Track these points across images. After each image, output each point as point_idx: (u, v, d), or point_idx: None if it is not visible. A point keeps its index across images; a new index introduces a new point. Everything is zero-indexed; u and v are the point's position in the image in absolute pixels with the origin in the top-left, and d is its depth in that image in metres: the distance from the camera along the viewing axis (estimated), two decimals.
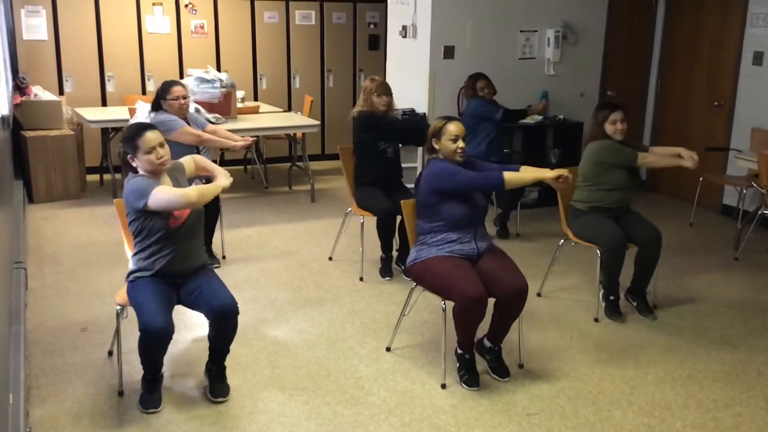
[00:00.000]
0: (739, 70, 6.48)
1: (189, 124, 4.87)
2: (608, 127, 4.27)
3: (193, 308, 3.30)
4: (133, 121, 5.91)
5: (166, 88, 4.78)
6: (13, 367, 3.06)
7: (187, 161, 3.53)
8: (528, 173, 3.58)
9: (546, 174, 3.52)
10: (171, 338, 3.13)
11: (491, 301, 3.45)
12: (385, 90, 4.86)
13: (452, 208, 3.54)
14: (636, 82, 7.50)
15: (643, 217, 4.38)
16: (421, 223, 3.66)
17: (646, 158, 4.28)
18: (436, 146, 3.63)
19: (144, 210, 3.14)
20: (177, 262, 3.26)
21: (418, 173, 6.45)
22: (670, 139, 7.29)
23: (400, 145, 5.04)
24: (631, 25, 7.36)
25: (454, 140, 3.56)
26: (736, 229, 5.80)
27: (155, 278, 3.25)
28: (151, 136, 3.24)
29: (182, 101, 4.75)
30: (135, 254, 3.32)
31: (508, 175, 3.47)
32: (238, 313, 3.24)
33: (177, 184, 3.35)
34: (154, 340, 3.09)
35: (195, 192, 3.16)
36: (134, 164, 3.27)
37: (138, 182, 3.21)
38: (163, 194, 3.13)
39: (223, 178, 3.45)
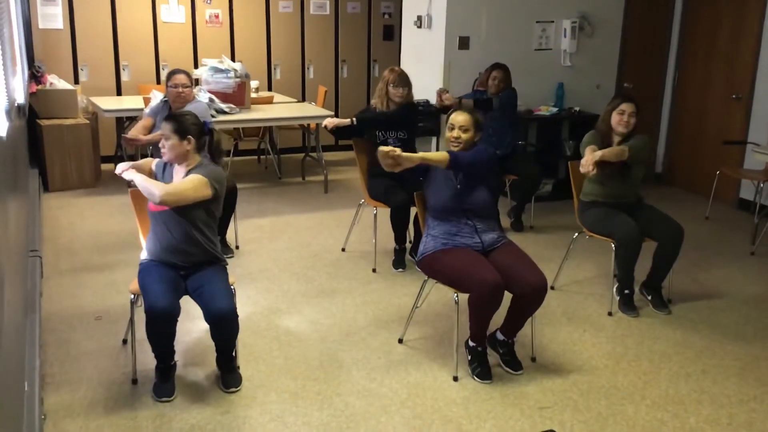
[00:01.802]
0: (758, 63, 6.40)
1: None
2: (614, 117, 4.22)
3: (196, 303, 3.31)
4: (147, 110, 5.95)
5: (169, 75, 4.94)
6: (28, 355, 3.08)
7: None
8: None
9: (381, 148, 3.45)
10: (176, 320, 3.14)
11: (507, 296, 3.43)
12: (403, 82, 4.84)
13: (431, 194, 3.67)
14: (653, 74, 7.43)
15: (663, 213, 4.33)
16: (426, 213, 3.73)
17: (588, 151, 4.14)
18: (447, 134, 3.69)
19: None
20: (170, 251, 3.29)
21: None
22: (688, 132, 7.24)
23: (406, 136, 4.96)
24: (648, 17, 7.29)
25: (451, 128, 3.64)
26: (753, 223, 5.75)
27: (161, 264, 3.29)
28: (164, 125, 3.38)
29: (180, 89, 4.81)
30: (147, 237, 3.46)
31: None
32: (235, 317, 3.20)
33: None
34: (159, 321, 3.10)
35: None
36: None
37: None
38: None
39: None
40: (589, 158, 4.05)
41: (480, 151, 3.63)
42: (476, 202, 3.60)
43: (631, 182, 4.30)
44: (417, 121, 5.14)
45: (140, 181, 3.23)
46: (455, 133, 3.61)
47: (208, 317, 3.16)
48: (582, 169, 4.08)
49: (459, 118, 3.64)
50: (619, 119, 4.20)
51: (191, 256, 3.32)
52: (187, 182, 3.26)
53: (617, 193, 4.28)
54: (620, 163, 4.16)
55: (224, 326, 3.21)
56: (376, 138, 4.88)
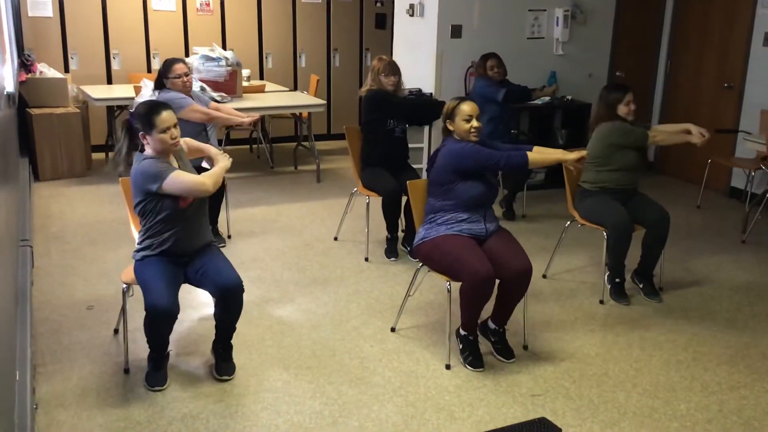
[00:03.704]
0: (750, 52, 6.41)
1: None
2: (622, 109, 4.26)
3: (199, 286, 3.31)
4: (138, 99, 5.90)
5: (167, 66, 4.76)
6: (19, 345, 3.07)
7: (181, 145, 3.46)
8: (551, 154, 3.61)
9: (568, 156, 3.55)
10: (176, 318, 3.14)
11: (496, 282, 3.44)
12: (393, 70, 4.82)
13: (468, 188, 3.52)
14: (645, 63, 7.43)
15: (652, 200, 4.36)
16: (431, 201, 3.64)
17: (655, 137, 4.30)
18: (450, 127, 3.60)
19: (156, 192, 3.14)
20: (183, 241, 3.27)
21: (425, 153, 6.44)
22: (680, 121, 7.19)
23: (407, 126, 4.99)
24: (641, 5, 7.28)
25: (468, 120, 3.53)
26: (744, 211, 5.77)
27: (162, 257, 3.25)
28: (168, 116, 3.23)
29: (185, 79, 4.73)
30: (142, 233, 3.31)
31: (533, 155, 3.51)
32: (242, 290, 3.24)
33: (183, 166, 3.35)
34: (160, 320, 3.10)
35: (210, 180, 3.21)
36: (145, 142, 3.25)
37: (151, 165, 3.18)
38: (181, 180, 3.15)
39: (221, 157, 3.47)
40: (705, 136, 4.26)
41: (494, 141, 3.74)
42: (493, 189, 3.63)
43: (640, 169, 4.37)
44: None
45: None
46: (474, 123, 3.53)
47: (217, 291, 3.19)
48: (702, 143, 4.31)
49: (471, 107, 3.55)
50: (628, 110, 4.27)
51: (202, 239, 3.34)
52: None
53: (627, 180, 4.31)
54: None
55: (232, 300, 3.23)
56: (386, 125, 4.84)
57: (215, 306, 3.28)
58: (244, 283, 3.24)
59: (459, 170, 3.52)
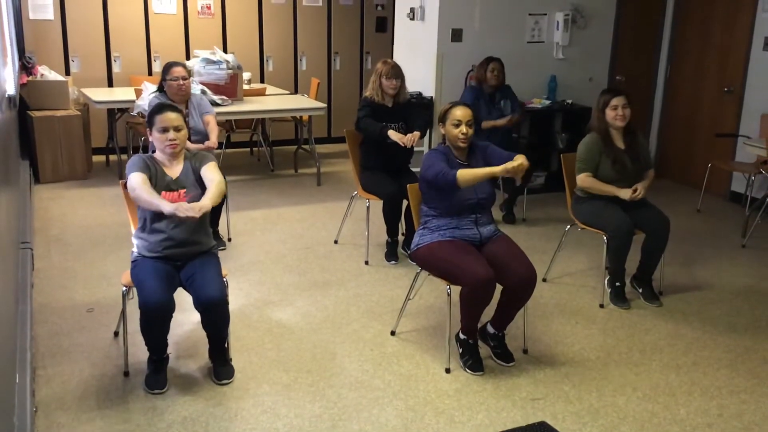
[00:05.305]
0: (750, 56, 6.42)
1: (187, 107, 4.86)
2: (608, 113, 4.22)
3: (188, 292, 3.29)
4: (139, 102, 5.91)
5: (166, 68, 4.83)
6: (19, 347, 3.07)
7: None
8: (481, 169, 3.43)
9: (495, 170, 3.36)
10: (171, 315, 3.13)
11: (497, 288, 3.43)
12: (396, 73, 4.82)
13: (438, 196, 3.53)
14: (645, 67, 7.44)
15: (652, 204, 4.36)
16: (423, 207, 3.67)
17: (585, 180, 4.20)
18: (442, 131, 3.61)
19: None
20: (169, 247, 3.26)
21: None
22: (680, 125, 7.26)
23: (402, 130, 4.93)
24: (641, 9, 7.29)
25: (456, 125, 3.52)
26: (744, 216, 5.77)
27: (156, 258, 3.26)
28: (170, 116, 3.28)
29: (181, 82, 4.74)
30: (136, 232, 3.38)
31: (461, 173, 3.36)
32: (225, 305, 3.19)
33: (195, 176, 3.35)
34: (154, 317, 3.09)
35: (142, 193, 3.11)
36: (150, 139, 3.34)
37: (136, 157, 3.28)
38: (133, 180, 3.16)
39: (188, 204, 3.15)
40: (638, 194, 4.13)
41: (492, 145, 3.66)
42: (483, 195, 3.58)
43: (636, 180, 4.31)
44: (419, 115, 5.07)
45: (207, 203, 3.15)
46: (463, 129, 3.51)
47: (198, 305, 3.16)
48: (629, 198, 4.13)
49: (463, 113, 3.52)
50: (614, 114, 4.20)
51: (198, 246, 3.32)
52: (216, 171, 3.34)
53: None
54: (638, 164, 4.25)
55: (214, 314, 3.19)
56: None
57: (200, 316, 3.25)
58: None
59: (426, 179, 3.53)
